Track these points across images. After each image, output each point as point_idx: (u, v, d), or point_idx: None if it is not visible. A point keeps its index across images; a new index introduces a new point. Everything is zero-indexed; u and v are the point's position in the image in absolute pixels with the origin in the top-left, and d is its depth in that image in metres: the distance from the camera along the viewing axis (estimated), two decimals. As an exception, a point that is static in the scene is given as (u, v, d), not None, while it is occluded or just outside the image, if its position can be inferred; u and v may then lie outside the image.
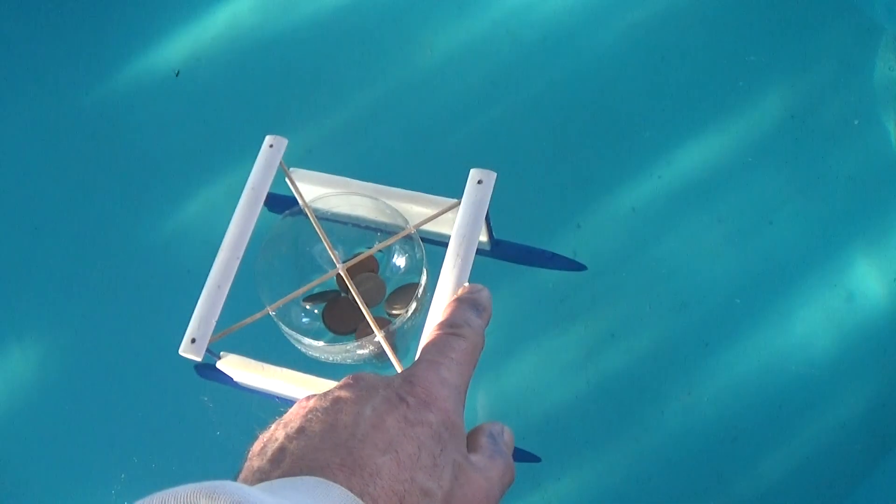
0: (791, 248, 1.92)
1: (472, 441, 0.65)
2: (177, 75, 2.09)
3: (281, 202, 1.58)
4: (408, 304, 1.46)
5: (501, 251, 1.67)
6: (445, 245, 1.38)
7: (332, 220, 1.58)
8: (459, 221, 1.35)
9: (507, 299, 1.88)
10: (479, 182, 1.38)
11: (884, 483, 1.73)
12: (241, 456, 1.07)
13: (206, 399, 1.79)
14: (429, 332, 0.72)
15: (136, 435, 1.87)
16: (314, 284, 1.43)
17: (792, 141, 2.01)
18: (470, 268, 1.30)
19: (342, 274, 1.39)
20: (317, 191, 1.52)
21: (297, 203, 1.51)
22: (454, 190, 1.52)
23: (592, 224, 1.92)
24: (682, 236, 1.91)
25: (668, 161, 1.95)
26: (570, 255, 1.91)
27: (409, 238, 1.48)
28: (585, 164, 1.96)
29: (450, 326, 0.68)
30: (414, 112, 2.11)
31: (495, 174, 1.40)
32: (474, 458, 0.60)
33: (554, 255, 1.70)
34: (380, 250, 1.51)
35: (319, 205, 1.53)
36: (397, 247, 1.56)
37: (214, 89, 2.13)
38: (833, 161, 1.98)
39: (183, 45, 2.19)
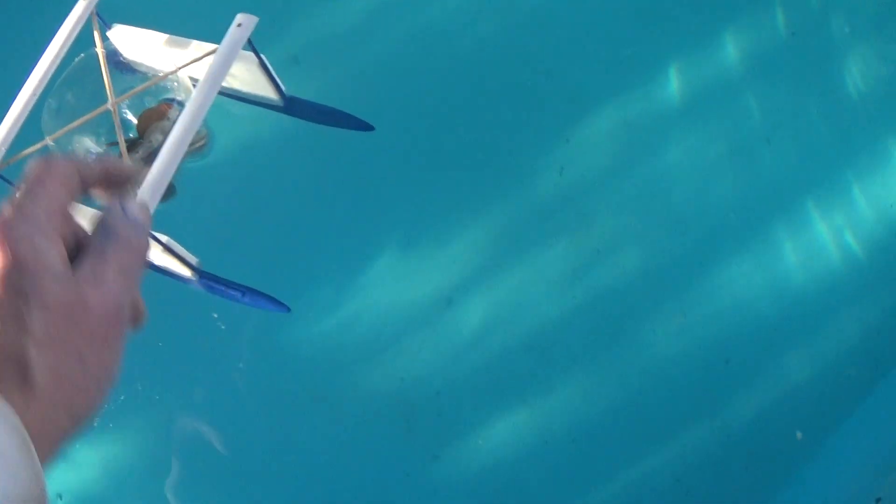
0: (789, 167, 1.87)
1: (88, 241, 0.57)
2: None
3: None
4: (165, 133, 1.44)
5: (295, 108, 1.63)
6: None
7: (133, 71, 1.60)
8: (212, 63, 1.33)
9: (494, 216, 1.83)
10: (239, 25, 1.37)
11: (879, 407, 1.69)
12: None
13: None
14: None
15: None
16: (88, 117, 1.39)
17: (792, 59, 1.95)
18: (210, 102, 1.28)
19: (111, 108, 1.37)
20: (127, 42, 1.53)
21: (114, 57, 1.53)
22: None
23: (582, 138, 1.86)
24: (675, 153, 1.86)
25: (665, 77, 1.90)
26: (556, 172, 1.87)
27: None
28: (575, 77, 1.90)
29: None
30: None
31: (257, 18, 1.37)
32: (80, 272, 0.53)
33: (346, 114, 1.66)
34: (178, 102, 1.55)
35: (131, 56, 1.55)
36: (177, 90, 1.59)
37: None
38: (834, 81, 1.93)
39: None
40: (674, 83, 1.89)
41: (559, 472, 1.75)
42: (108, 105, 1.38)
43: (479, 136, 1.79)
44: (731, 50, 1.92)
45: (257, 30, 1.23)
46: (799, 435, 1.73)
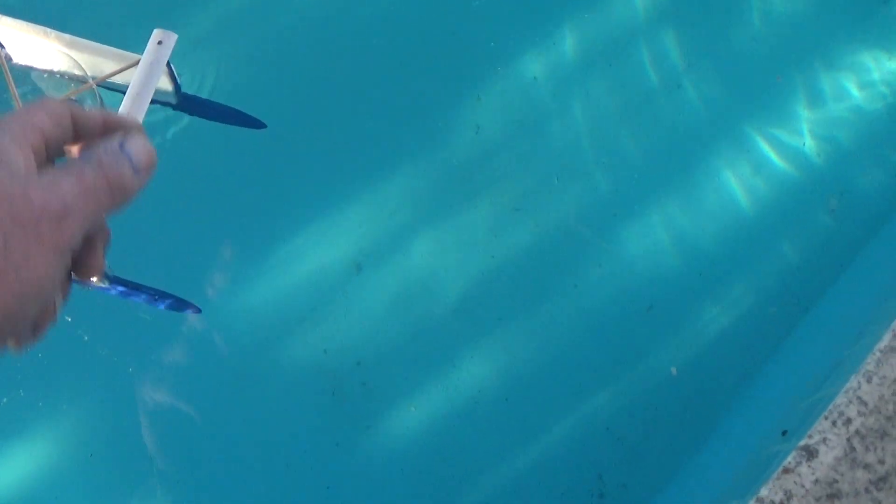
0: (700, 112, 1.88)
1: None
2: None
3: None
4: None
5: (188, 105, 1.71)
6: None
7: (29, 69, 1.64)
8: (135, 79, 1.42)
9: (410, 179, 1.83)
10: (160, 43, 1.46)
11: (800, 344, 1.71)
12: None
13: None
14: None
15: None
16: None
17: (695, 4, 1.97)
18: (140, 118, 1.38)
19: (14, 97, 1.45)
20: (14, 37, 1.57)
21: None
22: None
23: (493, 95, 1.86)
24: (586, 104, 1.86)
25: (571, 27, 1.91)
26: (473, 132, 1.89)
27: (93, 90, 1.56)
28: (482, 36, 1.91)
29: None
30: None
31: (176, 36, 1.46)
32: (40, 176, 0.54)
33: (239, 112, 1.73)
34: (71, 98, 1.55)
35: (14, 52, 1.59)
36: (94, 101, 1.63)
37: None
38: (738, 23, 1.96)
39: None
40: (578, 37, 1.90)
41: (492, 431, 1.76)
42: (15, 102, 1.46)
43: (392, 100, 1.80)
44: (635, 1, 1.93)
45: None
46: (673, 370, 1.74)
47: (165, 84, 1.62)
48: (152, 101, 1.53)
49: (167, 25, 1.48)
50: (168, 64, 1.53)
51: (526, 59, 1.89)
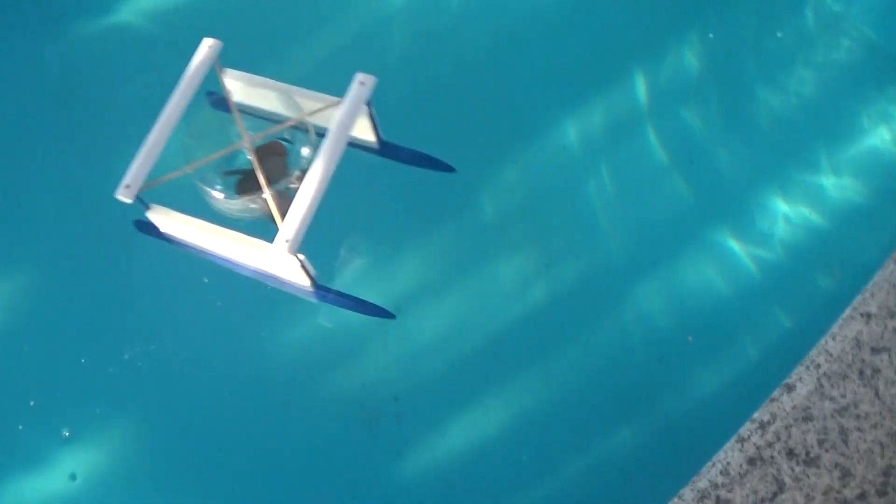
0: (710, 186, 2.07)
1: None
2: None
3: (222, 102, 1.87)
4: (301, 177, 1.73)
5: (387, 151, 1.94)
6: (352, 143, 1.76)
7: (250, 114, 1.88)
8: (340, 114, 1.68)
9: (451, 234, 2.03)
10: (362, 84, 1.73)
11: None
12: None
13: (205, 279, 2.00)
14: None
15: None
16: (224, 152, 1.74)
17: (714, 85, 2.18)
18: (341, 150, 1.62)
19: (247, 146, 1.71)
20: (242, 87, 1.83)
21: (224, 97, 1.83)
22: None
23: (527, 161, 2.06)
24: (609, 172, 2.05)
25: (602, 103, 2.13)
26: (509, 194, 2.14)
27: (307, 129, 1.81)
28: (522, 105, 2.14)
29: None
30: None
31: (375, 78, 1.73)
32: None
33: (429, 157, 1.95)
34: (287, 140, 1.84)
35: (241, 97, 1.85)
36: (305, 140, 1.85)
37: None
38: (751, 109, 2.16)
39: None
40: (606, 112, 2.12)
41: (513, 465, 1.87)
42: (244, 143, 1.75)
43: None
44: (656, 82, 2.17)
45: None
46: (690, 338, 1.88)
47: (367, 132, 1.90)
48: (356, 146, 1.85)
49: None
50: (369, 104, 1.80)
51: (559, 129, 2.10)
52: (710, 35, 2.23)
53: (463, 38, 2.26)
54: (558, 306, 1.99)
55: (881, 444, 1.29)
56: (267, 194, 1.70)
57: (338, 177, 1.73)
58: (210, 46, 1.80)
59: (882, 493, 1.27)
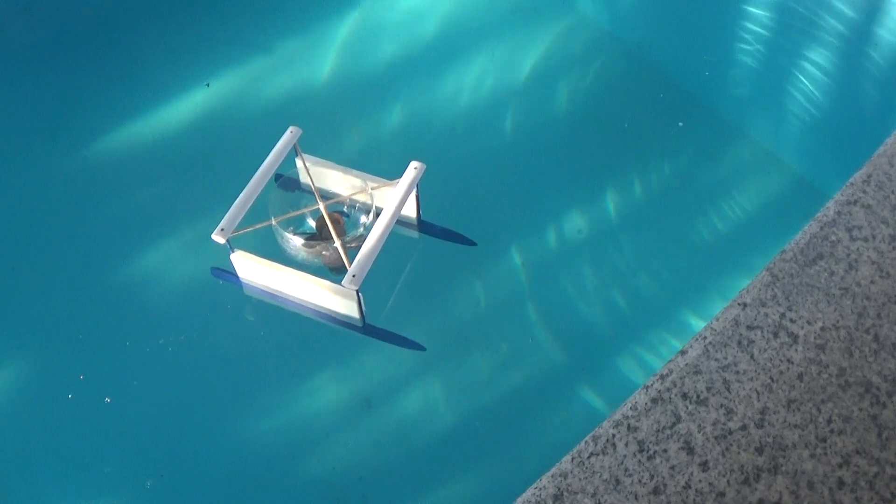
0: (652, 295, 2.41)
1: None
2: (208, 86, 2.88)
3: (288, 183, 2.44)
4: (355, 240, 2.27)
5: (423, 226, 2.46)
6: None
7: (311, 193, 2.40)
8: (398, 190, 2.24)
9: (418, 336, 2.34)
10: (415, 168, 2.30)
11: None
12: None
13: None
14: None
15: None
16: (303, 211, 2.34)
17: (656, 211, 2.58)
18: (395, 216, 2.20)
19: (321, 208, 2.28)
20: (316, 167, 2.39)
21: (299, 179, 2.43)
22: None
23: (492, 276, 2.43)
24: (563, 285, 2.40)
25: (551, 225, 2.52)
26: (475, 306, 2.43)
27: (365, 203, 2.37)
28: (481, 227, 2.54)
29: None
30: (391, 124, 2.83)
31: (425, 165, 2.30)
32: None
33: (454, 232, 2.42)
34: (345, 214, 2.38)
35: (315, 178, 2.39)
36: (361, 209, 2.39)
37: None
38: (686, 231, 2.55)
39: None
40: (559, 231, 2.50)
41: None
42: (319, 206, 2.33)
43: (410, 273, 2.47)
44: (608, 204, 2.55)
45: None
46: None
47: (411, 209, 2.43)
48: (401, 223, 2.37)
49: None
50: (417, 187, 2.34)
51: (514, 250, 2.49)
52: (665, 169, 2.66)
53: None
54: (514, 401, 2.24)
55: (757, 392, 1.57)
56: (338, 243, 2.25)
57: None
58: (291, 132, 2.39)
59: (760, 425, 1.54)
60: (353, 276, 2.13)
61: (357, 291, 2.13)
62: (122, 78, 2.88)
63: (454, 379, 2.25)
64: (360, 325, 2.28)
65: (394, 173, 2.35)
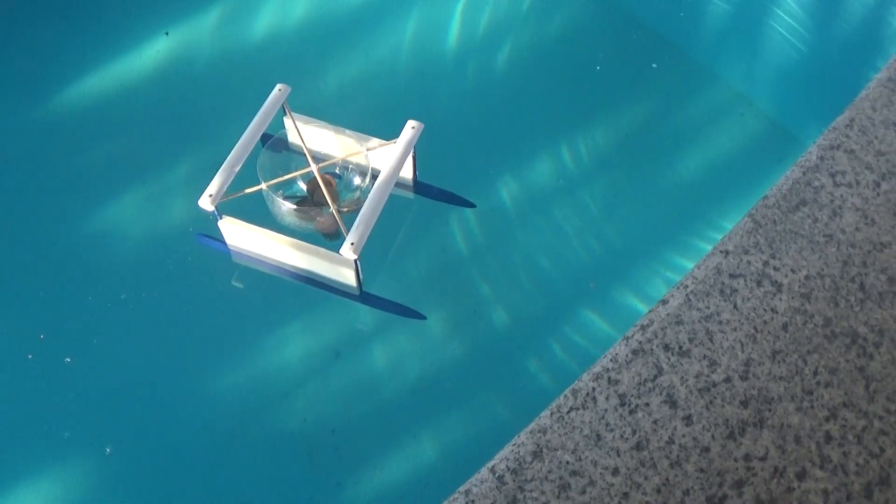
0: (628, 242, 2.36)
1: None
2: (167, 34, 2.77)
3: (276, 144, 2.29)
4: (349, 204, 2.15)
5: (419, 188, 2.33)
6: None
7: (303, 154, 2.26)
8: (396, 151, 2.13)
9: (386, 286, 2.29)
10: (412, 128, 2.18)
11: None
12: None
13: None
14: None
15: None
16: (296, 174, 2.20)
17: (629, 156, 2.54)
18: (394, 180, 2.08)
19: (314, 171, 2.15)
20: (306, 127, 2.25)
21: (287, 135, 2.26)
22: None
23: (459, 221, 2.36)
24: (532, 234, 2.35)
25: (522, 169, 2.46)
26: (440, 250, 2.36)
27: (358, 164, 2.25)
28: (452, 179, 2.51)
29: None
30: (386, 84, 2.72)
31: (423, 125, 2.18)
32: None
33: (453, 194, 2.33)
34: (338, 175, 2.27)
35: (306, 137, 2.26)
36: (356, 170, 2.28)
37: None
38: (659, 175, 2.50)
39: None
40: (530, 178, 2.45)
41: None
42: (312, 168, 2.18)
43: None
44: (580, 149, 2.50)
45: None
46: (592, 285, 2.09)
47: (407, 171, 2.30)
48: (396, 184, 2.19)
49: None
50: (415, 158, 2.24)
51: (484, 196, 2.44)
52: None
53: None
54: (484, 349, 2.21)
55: (741, 343, 1.52)
56: (333, 209, 2.13)
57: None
58: (280, 90, 2.25)
59: (744, 378, 1.49)
60: (352, 243, 2.04)
61: (355, 260, 2.03)
62: (83, 29, 2.78)
63: (425, 330, 2.19)
64: (356, 293, 2.19)
65: (365, 127, 2.28)
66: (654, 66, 2.70)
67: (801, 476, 1.32)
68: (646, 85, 2.68)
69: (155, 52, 2.71)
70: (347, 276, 2.14)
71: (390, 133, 2.23)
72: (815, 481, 1.31)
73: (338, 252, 2.05)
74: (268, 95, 2.25)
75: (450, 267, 2.32)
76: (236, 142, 2.16)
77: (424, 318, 2.19)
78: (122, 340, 2.17)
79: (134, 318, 2.19)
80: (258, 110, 2.22)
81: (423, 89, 2.66)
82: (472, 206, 2.35)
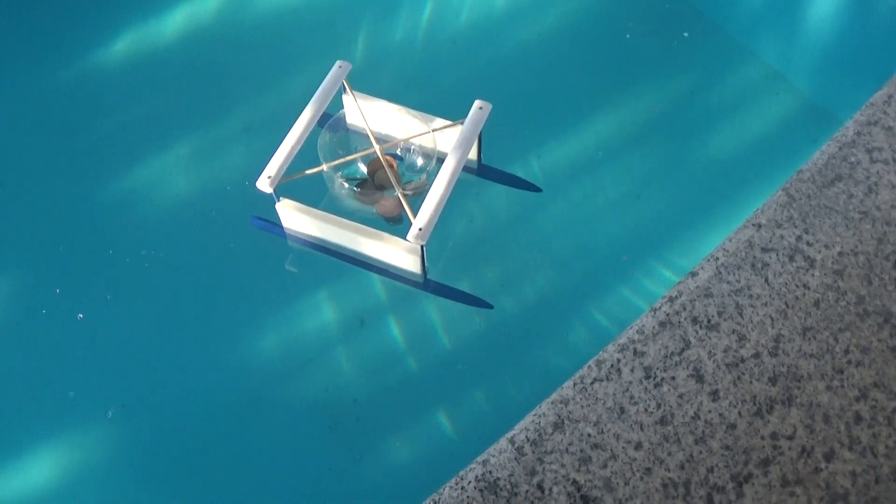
0: (654, 218, 2.31)
1: None
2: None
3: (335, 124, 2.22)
4: (413, 187, 2.08)
5: (483, 171, 2.26)
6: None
7: (363, 134, 2.22)
8: (462, 132, 2.04)
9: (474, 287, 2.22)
10: (480, 108, 2.08)
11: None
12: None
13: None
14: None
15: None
16: (358, 155, 2.13)
17: (662, 131, 2.48)
18: (463, 163, 1.97)
19: (378, 152, 2.08)
20: (367, 105, 2.17)
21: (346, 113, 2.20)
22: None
23: (488, 193, 2.32)
24: (563, 206, 2.31)
25: (553, 144, 2.42)
26: (468, 220, 2.29)
27: (421, 146, 2.16)
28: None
29: None
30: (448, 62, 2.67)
31: (491, 105, 2.08)
32: None
33: (519, 178, 2.27)
34: (399, 157, 2.18)
35: (362, 117, 2.17)
36: (418, 151, 2.19)
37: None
38: (692, 151, 2.45)
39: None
40: (559, 150, 2.41)
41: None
42: (376, 149, 2.12)
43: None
44: (612, 122, 2.46)
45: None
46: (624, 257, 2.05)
47: (472, 153, 2.20)
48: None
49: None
50: (480, 141, 2.15)
51: (512, 168, 2.37)
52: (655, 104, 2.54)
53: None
54: (511, 323, 2.16)
55: (771, 318, 1.48)
56: (398, 192, 2.05)
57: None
58: (340, 66, 2.17)
59: (774, 354, 1.45)
60: (420, 229, 1.95)
61: (422, 247, 1.98)
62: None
63: (449, 302, 2.14)
64: (420, 280, 2.13)
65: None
66: (685, 35, 2.63)
67: (829, 457, 1.29)
68: (678, 57, 2.62)
69: (189, 13, 2.69)
70: (413, 263, 2.09)
71: (428, 110, 2.19)
72: (843, 462, 1.28)
73: (404, 237, 1.99)
74: (327, 72, 2.18)
75: (472, 239, 2.28)
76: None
77: (491, 307, 2.13)
78: (137, 297, 2.17)
79: (151, 276, 2.19)
80: (316, 87, 2.16)
81: (457, 64, 2.62)
82: (538, 190, 2.28)
